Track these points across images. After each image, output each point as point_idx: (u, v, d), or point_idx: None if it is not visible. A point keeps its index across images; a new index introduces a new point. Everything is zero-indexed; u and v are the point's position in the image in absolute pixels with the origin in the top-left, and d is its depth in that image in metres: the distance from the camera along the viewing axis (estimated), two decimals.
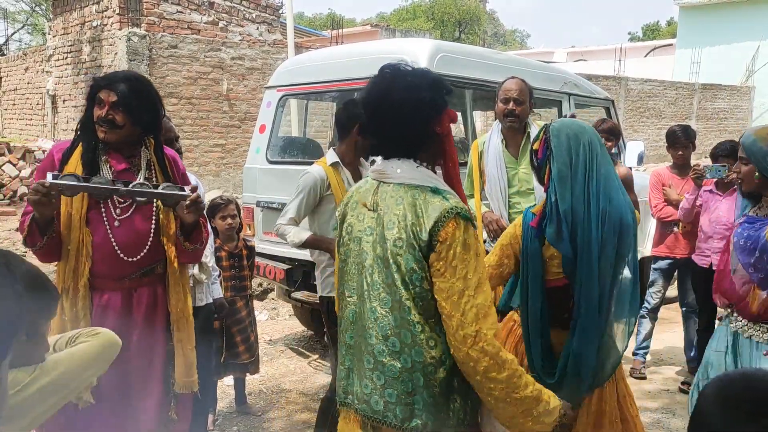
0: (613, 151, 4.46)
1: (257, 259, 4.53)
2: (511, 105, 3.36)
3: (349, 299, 1.78)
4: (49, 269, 4.15)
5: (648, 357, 4.73)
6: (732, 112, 20.77)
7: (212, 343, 3.56)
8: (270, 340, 5.32)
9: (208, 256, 3.22)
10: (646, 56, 26.54)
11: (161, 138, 2.49)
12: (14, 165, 9.31)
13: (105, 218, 2.28)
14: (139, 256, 2.31)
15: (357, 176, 3.18)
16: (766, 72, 21.00)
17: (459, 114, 4.29)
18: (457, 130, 5.63)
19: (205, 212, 3.52)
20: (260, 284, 6.48)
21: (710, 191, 4.19)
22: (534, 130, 3.39)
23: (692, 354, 4.50)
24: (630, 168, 4.68)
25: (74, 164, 2.29)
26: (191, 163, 9.54)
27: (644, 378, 4.55)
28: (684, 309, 4.64)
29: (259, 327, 4.42)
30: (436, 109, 1.73)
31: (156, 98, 2.38)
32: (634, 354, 4.66)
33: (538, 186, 3.02)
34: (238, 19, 11.66)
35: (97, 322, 2.27)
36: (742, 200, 2.67)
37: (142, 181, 2.31)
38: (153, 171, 2.40)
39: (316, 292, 3.34)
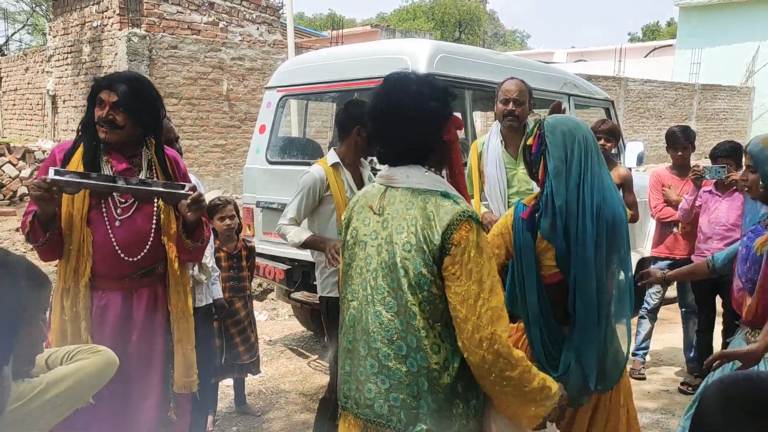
0: (613, 151, 4.46)
1: (257, 260, 4.54)
2: (510, 106, 3.37)
3: (351, 303, 1.78)
4: (49, 269, 4.17)
5: (647, 357, 4.73)
6: (732, 113, 20.77)
7: (212, 344, 3.56)
8: (269, 341, 5.32)
9: (208, 257, 3.23)
10: (646, 57, 26.55)
11: (162, 138, 2.49)
12: (14, 165, 9.32)
13: (106, 218, 2.29)
14: (139, 256, 2.31)
15: (357, 177, 3.18)
16: (766, 73, 21.00)
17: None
18: None
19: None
20: (260, 284, 6.48)
21: (710, 192, 4.20)
22: None
23: (691, 354, 4.51)
24: (630, 168, 4.68)
25: (76, 164, 2.30)
26: (191, 164, 9.55)
27: (644, 378, 4.56)
28: (683, 309, 4.64)
29: (258, 327, 4.42)
30: (443, 117, 1.75)
31: (157, 98, 2.39)
32: (634, 354, 4.66)
33: (537, 187, 3.02)
34: (238, 19, 11.66)
35: (97, 322, 2.28)
36: (753, 205, 2.68)
37: (142, 179, 2.31)
38: (154, 171, 2.40)
39: (315, 292, 3.34)
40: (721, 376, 1.18)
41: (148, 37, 9.43)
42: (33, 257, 3.55)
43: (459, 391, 1.68)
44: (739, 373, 1.16)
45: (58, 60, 11.71)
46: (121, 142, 2.32)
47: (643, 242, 5.86)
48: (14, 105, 14.32)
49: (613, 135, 4.19)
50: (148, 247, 2.32)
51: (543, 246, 2.09)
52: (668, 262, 4.56)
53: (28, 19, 27.57)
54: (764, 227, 2.48)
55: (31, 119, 13.32)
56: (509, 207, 3.45)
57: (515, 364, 1.64)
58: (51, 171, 2.12)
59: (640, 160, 5.30)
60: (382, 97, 1.77)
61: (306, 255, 3.68)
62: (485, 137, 3.60)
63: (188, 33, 10.75)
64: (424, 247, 1.64)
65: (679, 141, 4.47)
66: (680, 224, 4.45)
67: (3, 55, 22.51)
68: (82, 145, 2.33)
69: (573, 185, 2.03)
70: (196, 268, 3.14)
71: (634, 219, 4.30)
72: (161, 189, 2.26)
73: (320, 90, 4.82)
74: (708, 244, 4.15)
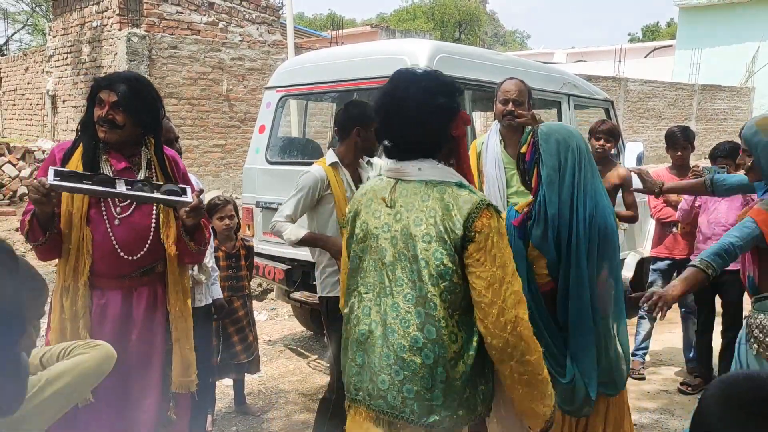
0: (613, 152, 4.46)
1: (257, 260, 4.53)
2: (510, 106, 3.37)
3: (365, 295, 1.79)
4: (48, 268, 4.17)
5: (647, 358, 4.73)
6: (732, 113, 20.77)
7: (211, 344, 3.56)
8: (269, 341, 5.32)
9: (208, 257, 3.23)
10: (645, 57, 26.55)
11: (161, 138, 2.50)
12: (14, 165, 9.32)
13: (105, 216, 2.29)
14: (139, 255, 2.31)
15: (356, 177, 3.18)
16: (765, 73, 21.00)
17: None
18: None
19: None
20: (260, 284, 6.48)
21: None
22: None
23: (691, 355, 4.51)
24: (629, 169, 4.68)
25: (75, 164, 2.30)
26: (191, 164, 9.55)
27: (643, 379, 4.56)
28: (683, 310, 4.64)
29: (258, 327, 4.42)
30: (451, 112, 1.77)
31: (156, 98, 2.39)
32: (633, 355, 4.65)
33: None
34: (238, 19, 11.66)
35: (96, 321, 2.28)
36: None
37: (142, 179, 2.31)
38: (153, 171, 2.40)
39: (315, 292, 3.34)
40: (721, 376, 1.17)
41: (147, 37, 9.43)
42: (31, 257, 3.55)
43: (472, 380, 1.72)
44: (739, 373, 1.16)
45: (58, 60, 11.71)
46: (120, 142, 2.32)
47: (643, 242, 5.86)
48: (14, 105, 14.32)
49: (613, 135, 4.19)
50: (147, 245, 2.32)
51: (535, 254, 2.10)
52: (668, 262, 4.57)
53: (28, 20, 27.57)
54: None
55: (31, 119, 13.32)
56: (508, 207, 3.47)
57: (534, 347, 1.69)
58: (51, 171, 2.12)
59: (640, 161, 5.30)
60: (389, 93, 1.79)
61: (306, 255, 3.68)
62: (484, 137, 3.60)
63: (188, 33, 10.75)
64: (445, 237, 1.67)
65: (679, 141, 4.47)
66: (680, 224, 4.45)
67: (3, 55, 22.51)
68: (81, 144, 2.33)
69: (566, 194, 2.04)
70: (195, 268, 3.14)
71: (634, 219, 4.30)
72: (160, 197, 2.25)
73: (320, 90, 4.82)
74: (707, 244, 4.14)
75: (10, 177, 9.21)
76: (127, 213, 2.31)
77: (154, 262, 2.37)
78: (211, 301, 3.35)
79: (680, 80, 20.30)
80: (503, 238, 1.69)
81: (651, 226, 5.32)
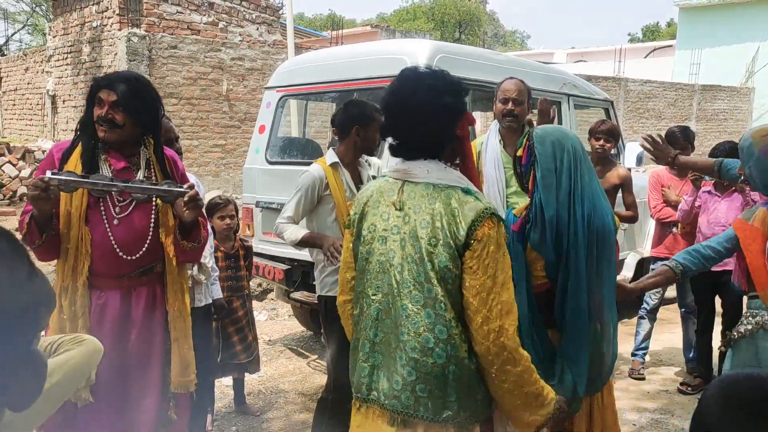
0: (613, 152, 4.46)
1: (257, 260, 4.54)
2: (510, 105, 3.37)
3: (373, 297, 1.80)
4: (48, 268, 4.17)
5: (647, 358, 4.73)
6: (732, 114, 20.76)
7: (210, 344, 3.56)
8: (269, 341, 5.32)
9: (207, 257, 3.22)
10: (645, 57, 26.54)
11: (161, 138, 2.49)
12: (14, 165, 9.31)
13: (104, 216, 2.28)
14: (138, 255, 2.31)
15: (356, 177, 3.18)
16: (766, 73, 20.98)
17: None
18: None
19: (203, 212, 3.53)
20: (260, 284, 6.48)
21: (709, 192, 4.20)
22: None
23: (691, 355, 4.51)
24: (629, 169, 4.69)
25: (74, 163, 2.29)
26: (191, 164, 9.55)
27: (643, 379, 4.56)
28: (683, 310, 4.64)
29: (258, 327, 4.42)
30: (457, 112, 1.79)
31: (156, 98, 2.39)
32: (633, 355, 4.66)
33: None
34: (238, 19, 11.66)
35: (95, 321, 2.28)
36: None
37: (141, 178, 2.31)
38: (152, 170, 2.40)
39: (315, 292, 3.34)
40: (721, 375, 1.17)
41: (147, 37, 9.42)
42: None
43: (479, 377, 1.75)
44: (739, 373, 1.16)
45: (58, 60, 11.70)
46: (120, 142, 2.32)
47: (643, 242, 5.86)
48: (14, 105, 14.31)
49: (613, 135, 4.19)
50: (146, 245, 2.32)
51: (533, 256, 2.11)
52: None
53: (28, 20, 27.57)
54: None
55: (31, 119, 13.32)
56: (507, 207, 3.47)
57: (518, 360, 1.70)
58: (48, 173, 2.12)
59: (640, 161, 5.31)
60: (395, 91, 1.81)
61: (305, 255, 3.68)
62: (484, 137, 3.60)
63: (188, 33, 10.74)
64: (450, 242, 1.69)
65: (679, 141, 4.47)
66: (680, 224, 4.45)
67: (3, 55, 22.51)
68: (80, 144, 2.32)
69: (564, 196, 2.04)
70: (195, 268, 3.13)
71: (634, 219, 4.30)
72: (158, 187, 2.27)
73: (320, 90, 4.82)
74: None
75: (10, 177, 9.20)
76: (126, 213, 2.31)
77: (152, 262, 2.37)
78: (210, 301, 3.35)
79: (680, 80, 20.28)
80: (500, 249, 1.71)
81: (651, 226, 5.32)
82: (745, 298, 2.58)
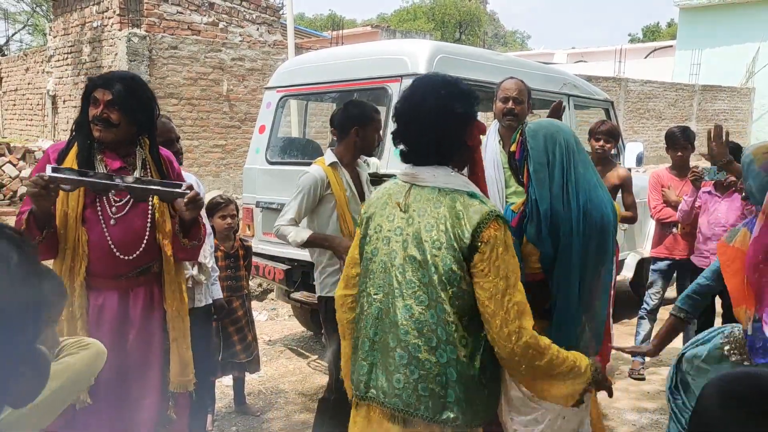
0: (613, 152, 4.46)
1: (257, 260, 4.54)
2: (510, 104, 3.37)
3: (375, 296, 1.83)
4: None
5: (647, 358, 4.73)
6: (732, 114, 20.76)
7: (211, 344, 3.56)
8: (269, 341, 5.32)
9: (208, 257, 3.22)
10: (646, 58, 26.54)
11: (156, 138, 2.48)
12: (14, 165, 9.32)
13: (101, 216, 2.28)
14: (135, 255, 2.30)
15: (355, 177, 3.18)
16: (766, 73, 20.99)
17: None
18: None
19: (204, 211, 3.53)
20: (260, 285, 6.48)
21: (709, 193, 4.20)
22: None
23: None
24: (629, 169, 4.69)
25: (70, 164, 2.28)
26: (191, 164, 9.55)
27: (643, 379, 4.56)
28: None
29: (258, 327, 4.42)
30: (467, 121, 1.81)
31: (151, 98, 2.38)
32: (633, 355, 4.66)
33: None
34: (238, 20, 11.66)
35: (94, 321, 2.27)
36: None
37: (139, 176, 2.30)
38: (148, 170, 2.39)
39: (315, 292, 3.34)
40: (719, 374, 1.17)
41: (148, 38, 9.42)
42: None
43: (483, 382, 1.76)
44: (738, 371, 1.16)
45: (59, 60, 11.71)
46: (115, 141, 2.31)
47: (643, 243, 5.86)
48: (14, 105, 14.32)
49: (613, 136, 4.19)
50: (143, 245, 2.32)
51: (528, 249, 2.12)
52: (668, 262, 4.57)
53: (28, 20, 27.57)
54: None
55: (32, 119, 13.33)
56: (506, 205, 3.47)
57: (543, 352, 1.71)
58: (48, 168, 2.12)
59: (640, 161, 5.30)
60: (408, 97, 1.84)
61: (305, 255, 3.68)
62: (483, 137, 3.60)
63: (188, 33, 10.75)
64: (455, 244, 1.70)
65: (679, 141, 4.47)
66: (680, 225, 4.45)
67: (3, 55, 22.52)
68: (76, 144, 2.31)
69: (557, 189, 2.05)
70: (195, 268, 3.13)
71: (633, 220, 4.30)
72: (158, 187, 2.26)
73: (320, 90, 4.82)
74: (707, 244, 4.15)
75: (10, 177, 9.21)
76: (123, 213, 2.30)
77: (150, 261, 2.37)
78: (211, 301, 3.35)
79: (680, 81, 20.28)
80: (509, 250, 1.72)
81: (651, 226, 5.32)
82: None
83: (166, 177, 2.43)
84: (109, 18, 11.11)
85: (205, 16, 11.18)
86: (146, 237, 2.33)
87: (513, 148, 2.18)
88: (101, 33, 10.65)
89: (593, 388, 1.82)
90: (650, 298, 4.65)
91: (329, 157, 3.13)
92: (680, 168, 4.57)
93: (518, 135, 2.16)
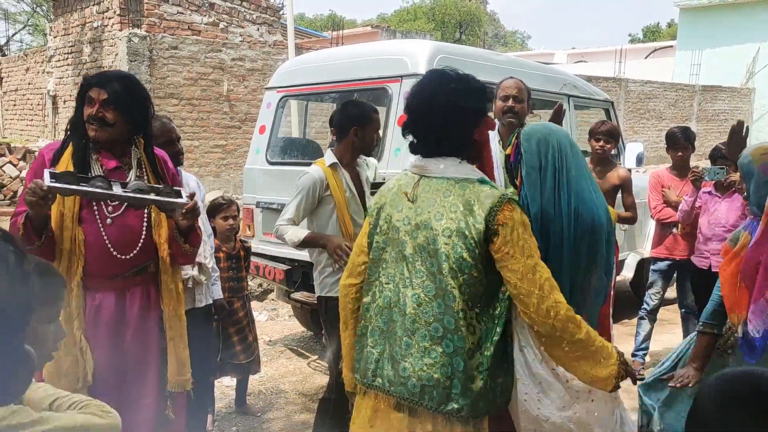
0: (613, 152, 4.46)
1: (257, 260, 4.54)
2: (510, 102, 3.36)
3: (386, 285, 1.85)
4: None
5: (647, 358, 4.73)
6: (732, 114, 20.74)
7: (211, 344, 3.56)
8: (269, 341, 5.32)
9: (208, 258, 3.22)
10: (646, 58, 26.54)
11: (154, 138, 2.47)
12: (15, 165, 9.33)
13: (98, 216, 2.26)
14: (132, 254, 2.29)
15: (355, 177, 3.18)
16: (766, 74, 20.99)
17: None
18: None
19: (206, 212, 3.53)
20: (260, 285, 6.48)
21: (709, 193, 4.20)
22: None
23: None
24: (629, 169, 4.69)
25: (65, 163, 2.26)
26: (191, 164, 9.55)
27: (643, 379, 4.55)
28: (683, 310, 4.64)
29: (258, 328, 4.42)
30: (476, 116, 1.83)
31: (146, 97, 2.37)
32: (633, 355, 4.66)
33: None
34: (238, 20, 11.67)
35: (91, 323, 2.26)
36: None
37: (134, 180, 2.28)
38: (144, 170, 2.38)
39: (315, 292, 3.34)
40: (717, 374, 1.17)
41: (148, 38, 9.43)
42: None
43: (490, 371, 1.76)
44: (735, 370, 1.16)
45: (59, 60, 11.71)
46: (111, 141, 2.29)
47: (643, 243, 5.86)
48: (15, 105, 14.32)
49: (613, 136, 4.19)
50: (140, 244, 2.31)
51: None
52: (668, 262, 4.57)
53: (28, 20, 27.57)
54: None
55: (32, 119, 13.33)
56: None
57: (580, 324, 1.73)
58: (46, 174, 2.09)
59: (640, 161, 5.30)
60: (419, 90, 1.86)
61: (305, 255, 3.68)
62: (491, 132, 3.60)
63: (188, 33, 10.75)
64: (466, 232, 1.71)
65: (679, 142, 4.47)
66: (680, 225, 4.45)
67: (4, 55, 22.52)
68: (71, 144, 2.30)
69: (549, 192, 2.06)
70: (195, 268, 3.13)
71: (633, 220, 4.30)
72: (157, 198, 2.24)
73: (320, 90, 4.83)
74: (708, 245, 4.15)
75: (10, 177, 9.22)
76: (119, 212, 2.29)
77: (146, 261, 2.36)
78: (211, 302, 3.35)
79: (681, 81, 20.28)
80: (527, 229, 1.74)
81: (651, 226, 5.32)
82: None
83: (162, 177, 2.41)
84: (110, 18, 11.11)
85: (205, 16, 11.18)
86: (143, 236, 2.32)
87: (508, 151, 2.20)
88: (101, 33, 10.66)
89: (623, 372, 1.81)
90: (650, 298, 4.65)
91: (329, 157, 3.13)
92: (680, 168, 4.57)
93: (514, 138, 2.18)
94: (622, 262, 5.56)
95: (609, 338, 3.47)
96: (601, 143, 4.16)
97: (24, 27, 28.00)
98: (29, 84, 13.37)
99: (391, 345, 1.81)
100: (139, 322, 2.34)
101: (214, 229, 3.62)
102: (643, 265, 5.70)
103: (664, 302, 4.78)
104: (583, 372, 1.76)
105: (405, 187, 1.87)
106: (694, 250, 4.32)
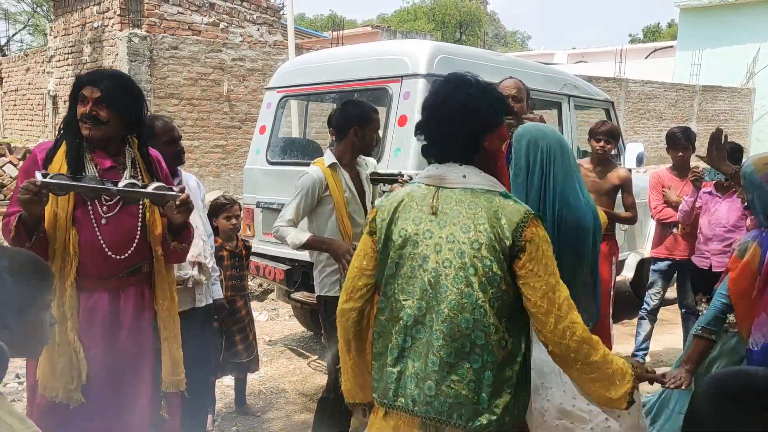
0: (613, 152, 4.47)
1: (257, 260, 4.55)
2: (509, 101, 3.37)
3: (404, 302, 1.78)
4: None
5: (647, 358, 4.73)
6: (732, 114, 20.75)
7: (211, 344, 3.56)
8: (269, 341, 5.32)
9: (208, 257, 3.22)
10: (646, 58, 26.54)
11: (145, 136, 2.45)
12: (15, 165, 9.33)
13: (92, 216, 2.25)
14: (126, 254, 2.28)
15: (355, 177, 3.18)
16: (766, 74, 20.98)
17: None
18: None
19: (207, 212, 3.53)
20: (260, 285, 6.49)
21: (709, 193, 4.20)
22: None
23: None
24: (629, 170, 4.69)
25: (59, 163, 2.24)
26: (192, 164, 9.55)
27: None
28: (683, 310, 4.64)
29: (258, 327, 4.43)
30: (487, 125, 1.79)
31: (139, 95, 2.36)
32: (633, 355, 4.66)
33: None
34: (238, 20, 11.67)
35: (85, 323, 2.25)
36: None
37: (129, 179, 2.27)
38: (138, 169, 2.37)
39: (315, 292, 3.34)
40: (713, 373, 1.17)
41: (148, 38, 9.43)
42: None
43: (516, 384, 1.74)
44: (730, 369, 1.16)
45: (59, 60, 11.72)
46: (104, 139, 2.28)
47: (643, 243, 5.86)
48: (15, 105, 14.33)
49: (613, 136, 4.19)
50: (135, 244, 2.30)
51: None
52: (668, 262, 4.57)
53: (29, 20, 27.58)
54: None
55: (32, 120, 13.34)
56: None
57: (595, 346, 1.70)
58: (38, 175, 2.08)
59: (640, 161, 5.30)
60: (436, 91, 1.84)
61: (305, 255, 3.68)
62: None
63: (189, 34, 10.76)
64: (495, 245, 1.68)
65: (680, 142, 4.47)
66: (680, 225, 4.45)
67: (4, 55, 22.53)
68: (64, 143, 2.28)
69: (534, 194, 2.05)
70: (195, 268, 3.13)
71: (633, 220, 4.30)
72: (150, 191, 2.24)
73: (321, 91, 4.83)
74: (708, 245, 4.15)
75: (11, 177, 9.22)
76: (114, 212, 2.28)
77: (141, 261, 2.35)
78: (211, 302, 3.35)
79: (681, 81, 20.27)
80: (550, 247, 1.72)
81: (651, 226, 5.32)
82: None
83: (156, 176, 2.41)
84: (110, 18, 11.12)
85: (205, 16, 11.19)
86: (138, 236, 2.31)
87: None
88: (102, 33, 10.66)
89: (637, 384, 1.79)
90: (650, 298, 4.65)
91: (329, 158, 3.12)
92: (681, 168, 4.57)
93: (509, 139, 2.18)
94: (623, 262, 5.57)
95: (609, 338, 3.47)
96: (602, 143, 4.16)
97: (24, 27, 28.01)
98: (29, 84, 13.38)
99: (415, 363, 1.76)
100: (133, 322, 2.32)
101: (216, 228, 3.62)
102: (643, 265, 5.71)
103: (664, 302, 4.79)
104: (598, 394, 1.75)
105: (420, 199, 1.80)
106: (694, 250, 4.32)
